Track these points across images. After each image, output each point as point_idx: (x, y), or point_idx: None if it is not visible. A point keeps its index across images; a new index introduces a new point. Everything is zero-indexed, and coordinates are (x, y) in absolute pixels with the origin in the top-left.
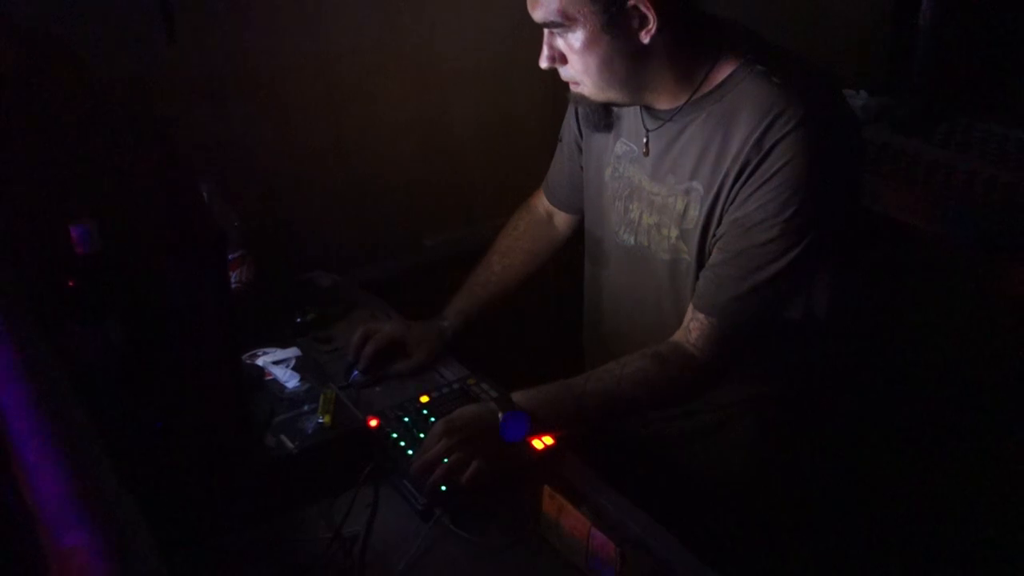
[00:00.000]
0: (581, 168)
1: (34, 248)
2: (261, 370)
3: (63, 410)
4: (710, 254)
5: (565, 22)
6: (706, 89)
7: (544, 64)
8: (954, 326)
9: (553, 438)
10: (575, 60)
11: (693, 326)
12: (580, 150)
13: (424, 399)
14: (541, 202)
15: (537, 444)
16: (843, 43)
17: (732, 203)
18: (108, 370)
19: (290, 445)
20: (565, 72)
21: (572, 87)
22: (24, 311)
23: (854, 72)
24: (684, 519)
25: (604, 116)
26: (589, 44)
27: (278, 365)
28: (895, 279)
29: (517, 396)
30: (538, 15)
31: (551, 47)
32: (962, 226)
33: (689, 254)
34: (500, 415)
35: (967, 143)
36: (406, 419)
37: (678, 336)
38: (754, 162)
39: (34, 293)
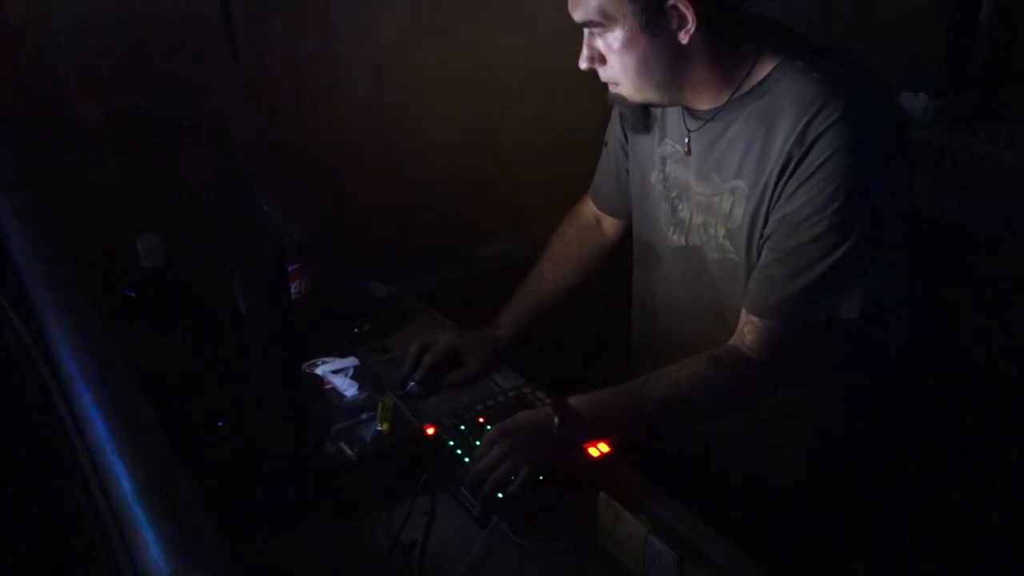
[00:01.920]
0: (627, 172)
1: (102, 262)
2: (320, 379)
3: (136, 414)
4: (758, 253)
5: (604, 22)
6: (746, 88)
7: (583, 65)
8: (1020, 333)
9: (609, 445)
10: (614, 60)
11: (748, 329)
12: (626, 154)
13: (480, 407)
14: (589, 208)
15: (593, 451)
16: (900, 45)
17: (778, 200)
18: (172, 380)
19: (349, 452)
20: (604, 73)
21: (611, 87)
22: (97, 320)
23: (912, 74)
24: (736, 519)
25: (643, 117)
26: (628, 44)
27: (337, 374)
28: (956, 284)
29: (574, 400)
30: (578, 15)
31: (591, 47)
32: None
33: (736, 253)
34: (556, 419)
35: None
36: (462, 427)
37: (734, 340)
38: (797, 157)
39: (103, 305)
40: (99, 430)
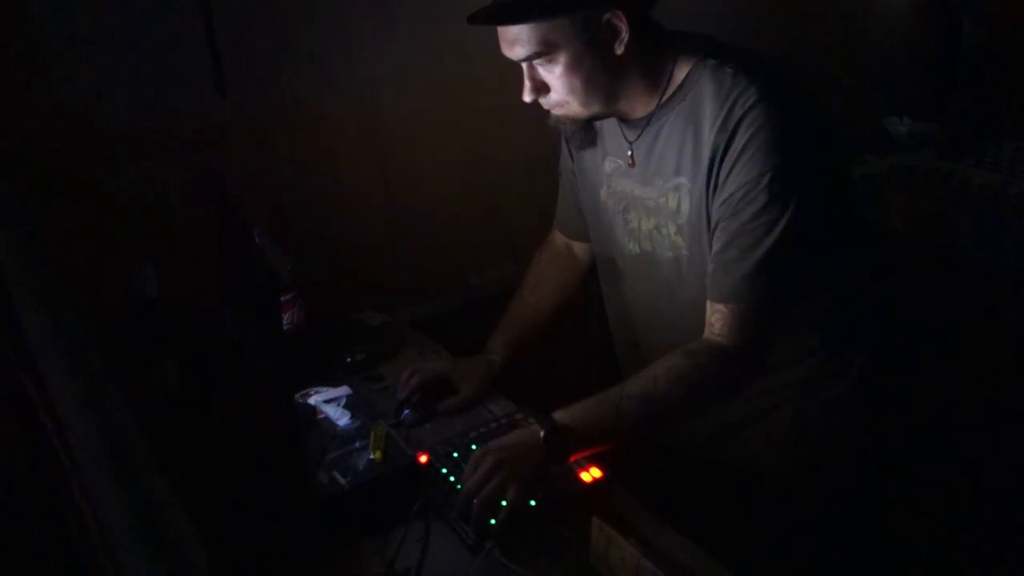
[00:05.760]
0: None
1: (96, 294)
2: (313, 409)
3: (128, 444)
4: (710, 247)
5: (548, 50)
6: (670, 91)
7: (528, 98)
8: (1007, 349)
9: (601, 470)
10: (559, 84)
11: (715, 319)
12: (576, 177)
13: (473, 434)
14: (558, 236)
15: (585, 477)
16: (886, 70)
17: (715, 188)
18: (166, 411)
19: (342, 481)
20: (548, 100)
21: (555, 111)
22: (90, 351)
23: (898, 99)
24: (729, 529)
25: (587, 132)
26: (572, 65)
27: (330, 404)
28: (946, 302)
29: (558, 414)
30: (519, 52)
31: (533, 80)
32: (1015, 249)
33: (688, 248)
34: (540, 433)
35: (1016, 166)
36: (455, 454)
37: (705, 331)
38: (723, 144)
39: (96, 337)
40: (93, 463)
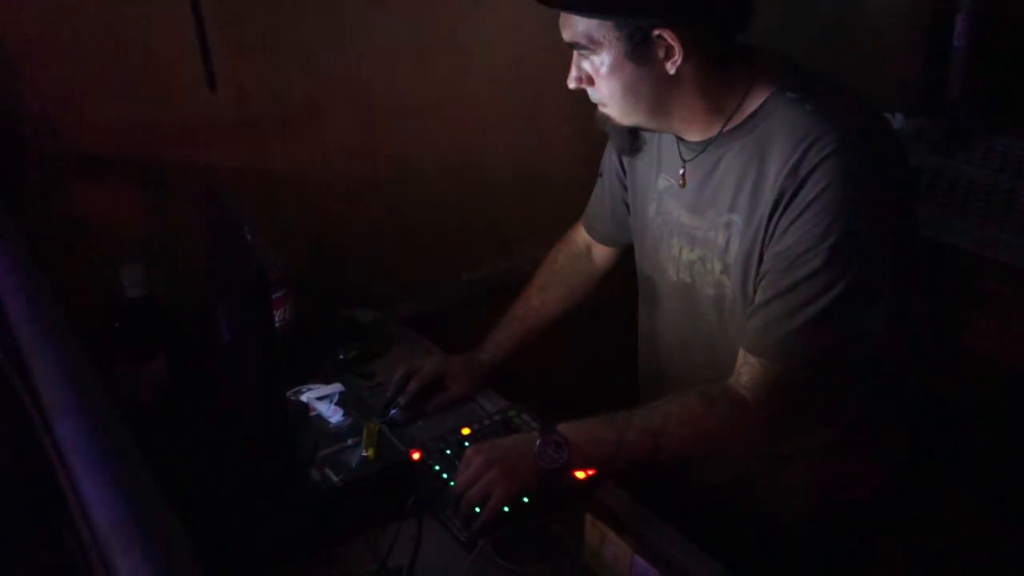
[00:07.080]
0: (625, 203)
1: (86, 293)
2: (305, 406)
3: (117, 443)
4: (755, 290)
5: (590, 45)
6: (738, 119)
7: (572, 84)
8: (1004, 351)
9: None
10: (600, 83)
11: (744, 370)
12: (624, 186)
13: (465, 431)
14: (580, 235)
15: (579, 473)
16: (877, 66)
17: (772, 237)
18: (156, 408)
19: (335, 479)
20: (593, 94)
21: (600, 107)
22: (79, 350)
23: (889, 95)
24: (723, 519)
25: (631, 140)
26: (614, 69)
27: (322, 401)
28: (940, 304)
29: (561, 427)
30: (566, 35)
31: (578, 68)
32: (1006, 247)
33: (733, 289)
34: (536, 442)
35: (1007, 162)
36: (448, 451)
37: (731, 379)
38: (790, 191)
39: (86, 335)
40: (81, 460)
